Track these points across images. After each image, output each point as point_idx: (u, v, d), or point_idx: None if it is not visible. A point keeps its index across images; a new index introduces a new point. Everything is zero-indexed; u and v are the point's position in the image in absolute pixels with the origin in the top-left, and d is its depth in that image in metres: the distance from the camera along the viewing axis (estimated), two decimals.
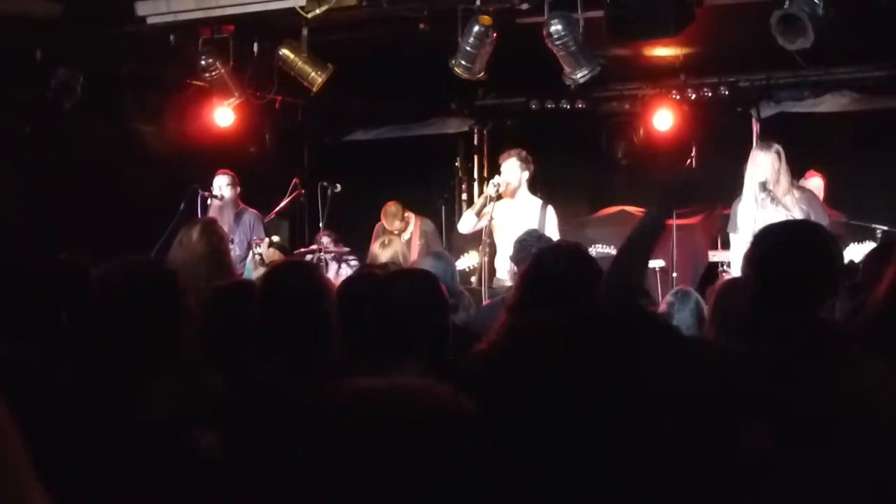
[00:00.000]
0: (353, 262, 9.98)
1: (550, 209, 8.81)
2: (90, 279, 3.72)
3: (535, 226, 8.44)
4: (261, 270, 7.80)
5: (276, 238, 8.34)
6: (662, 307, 5.53)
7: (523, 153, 8.92)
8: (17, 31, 8.25)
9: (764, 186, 7.84)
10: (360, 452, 1.67)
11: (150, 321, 2.71)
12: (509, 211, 8.82)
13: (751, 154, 8.01)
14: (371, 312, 3.75)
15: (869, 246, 7.69)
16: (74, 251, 4.14)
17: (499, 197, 8.82)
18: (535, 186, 9.21)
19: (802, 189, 8.06)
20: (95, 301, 2.80)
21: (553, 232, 8.54)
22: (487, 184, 9.18)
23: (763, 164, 7.85)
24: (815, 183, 9.29)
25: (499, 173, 8.94)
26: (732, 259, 8.39)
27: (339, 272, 9.86)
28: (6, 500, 1.24)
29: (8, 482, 1.25)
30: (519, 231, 8.03)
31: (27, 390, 3.03)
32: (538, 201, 8.88)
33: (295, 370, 3.35)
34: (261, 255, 8.02)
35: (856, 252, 7.79)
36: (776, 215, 7.82)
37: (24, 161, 9.55)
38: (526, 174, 8.87)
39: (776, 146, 7.97)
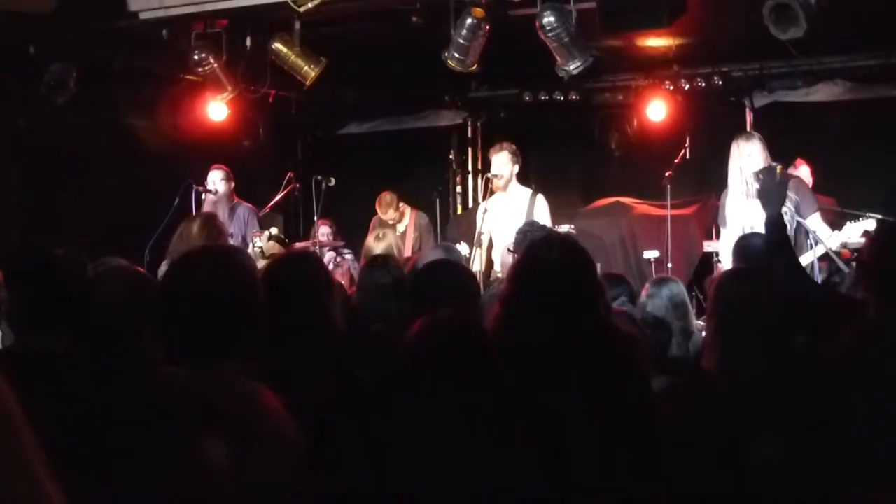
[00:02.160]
0: (348, 255, 10.01)
1: (540, 197, 8.88)
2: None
3: (524, 215, 8.51)
4: (261, 263, 7.83)
5: (274, 230, 8.35)
6: (643, 295, 5.57)
7: (513, 146, 8.99)
8: (10, 26, 8.26)
9: (758, 176, 7.86)
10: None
11: (230, 313, 2.73)
12: (502, 203, 8.89)
13: (734, 146, 8.00)
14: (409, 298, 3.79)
15: (865, 224, 7.73)
16: (70, 246, 4.16)
17: (491, 192, 8.91)
18: (528, 178, 9.25)
19: (790, 176, 8.10)
20: (176, 290, 2.82)
21: (544, 218, 8.62)
22: (481, 176, 9.24)
23: (753, 155, 7.88)
24: (803, 171, 9.35)
25: (489, 167, 9.05)
26: (722, 251, 8.41)
27: (336, 262, 9.90)
28: (20, 493, 1.26)
29: (22, 475, 1.28)
30: (512, 222, 8.09)
31: (63, 382, 3.08)
32: (528, 190, 8.96)
33: (298, 360, 3.38)
34: (261, 248, 8.05)
35: (853, 231, 7.83)
36: None
37: (17, 155, 9.56)
38: (516, 167, 8.95)
39: (757, 135, 8.01)
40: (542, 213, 8.76)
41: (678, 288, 5.45)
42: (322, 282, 3.79)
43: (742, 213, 7.90)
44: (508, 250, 7.50)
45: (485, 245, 8.83)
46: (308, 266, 3.89)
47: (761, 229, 7.48)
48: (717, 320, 3.60)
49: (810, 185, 8.67)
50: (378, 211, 10.49)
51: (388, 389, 2.76)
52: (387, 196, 10.46)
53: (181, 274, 2.90)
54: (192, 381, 2.38)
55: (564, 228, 8.61)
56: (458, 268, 4.19)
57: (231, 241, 8.20)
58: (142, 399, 2.48)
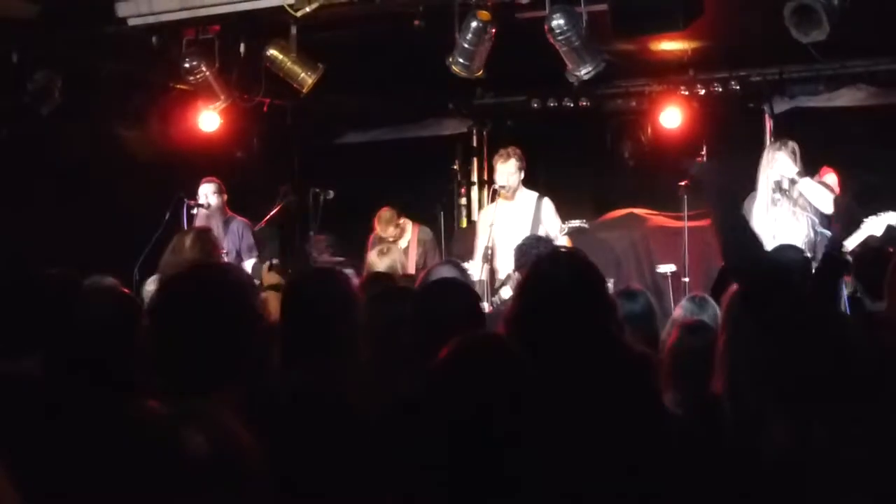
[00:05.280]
0: (349, 270, 10.00)
1: (546, 200, 8.93)
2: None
3: (531, 220, 8.54)
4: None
5: (275, 261, 8.37)
6: (677, 312, 5.56)
7: (518, 152, 9.02)
8: None
9: (779, 186, 7.89)
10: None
11: (227, 334, 2.71)
12: (509, 211, 8.92)
13: (765, 151, 8.05)
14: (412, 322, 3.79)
15: (886, 218, 7.79)
16: (62, 265, 4.17)
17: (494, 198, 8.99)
18: (537, 189, 9.27)
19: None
20: (166, 313, 2.80)
21: (551, 221, 8.66)
22: (487, 188, 9.27)
23: (779, 162, 7.91)
24: (830, 179, 9.32)
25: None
26: None
27: None
28: None
29: None
30: (519, 229, 8.14)
31: (34, 406, 3.08)
32: (534, 195, 9.02)
33: (315, 379, 3.39)
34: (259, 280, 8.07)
35: (873, 226, 7.89)
36: (791, 214, 7.87)
37: (0, 167, 9.56)
38: (522, 174, 9.00)
39: (792, 144, 8.02)
40: (549, 217, 8.81)
41: (717, 307, 5.44)
42: (349, 299, 3.81)
43: (767, 223, 7.92)
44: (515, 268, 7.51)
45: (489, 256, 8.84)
46: (335, 283, 3.91)
47: (784, 240, 7.51)
48: (727, 336, 3.59)
49: (837, 193, 8.69)
50: (377, 228, 10.45)
51: (420, 409, 2.74)
52: (385, 213, 10.41)
53: (171, 296, 2.88)
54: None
55: (576, 224, 8.62)
56: (462, 289, 4.18)
57: (225, 257, 8.21)
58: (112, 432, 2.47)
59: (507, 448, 2.59)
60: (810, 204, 7.94)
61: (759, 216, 8.00)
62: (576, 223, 8.71)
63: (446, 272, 5.63)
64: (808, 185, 7.91)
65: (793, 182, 7.87)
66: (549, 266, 3.42)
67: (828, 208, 7.83)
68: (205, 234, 6.78)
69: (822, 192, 7.91)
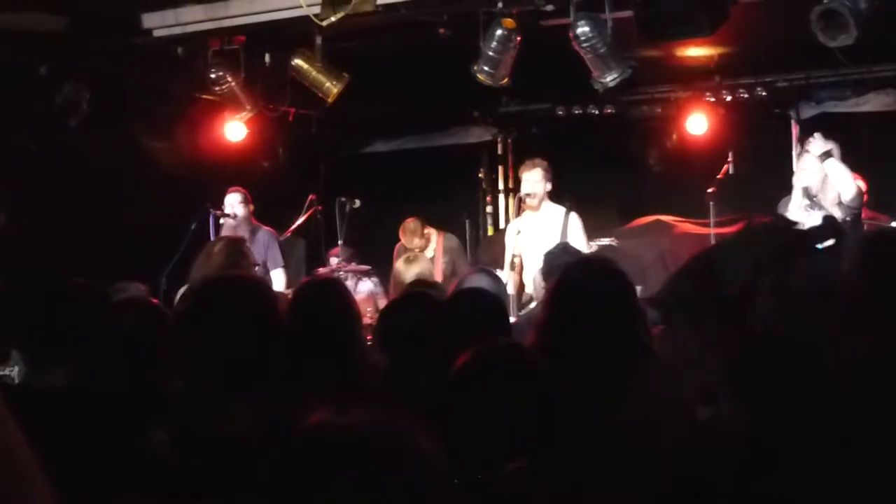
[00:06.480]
0: (374, 279, 10.01)
1: (574, 215, 8.88)
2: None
3: (559, 234, 8.50)
4: None
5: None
6: None
7: (545, 162, 8.99)
8: (20, 46, 8.33)
9: (808, 192, 7.84)
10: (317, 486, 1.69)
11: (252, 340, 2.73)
12: (535, 223, 8.89)
13: (800, 156, 8.04)
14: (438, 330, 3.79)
15: None
16: (89, 276, 4.17)
17: (521, 210, 8.94)
18: (562, 196, 9.25)
19: None
20: (197, 320, 2.81)
21: (578, 238, 8.63)
22: (513, 195, 9.24)
23: (809, 169, 7.88)
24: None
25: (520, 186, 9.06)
26: None
27: (356, 290, 9.87)
28: None
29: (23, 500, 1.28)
30: (545, 242, 8.09)
31: (59, 417, 3.10)
32: (562, 209, 8.96)
33: (321, 391, 3.38)
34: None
35: None
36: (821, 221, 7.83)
37: (28, 179, 9.62)
38: (549, 184, 8.96)
39: (833, 143, 7.98)
40: (577, 232, 8.76)
41: None
42: (350, 310, 3.80)
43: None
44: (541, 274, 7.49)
45: (517, 267, 8.82)
46: (336, 293, 3.90)
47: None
48: None
49: (865, 200, 8.65)
50: (402, 239, 10.45)
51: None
52: (410, 223, 10.42)
53: (202, 303, 2.88)
54: None
55: (605, 242, 8.59)
56: (490, 297, 4.18)
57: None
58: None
59: (524, 455, 2.58)
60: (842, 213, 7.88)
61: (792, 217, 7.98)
62: (605, 241, 8.69)
63: (479, 281, 5.61)
64: (833, 166, 7.86)
65: (808, 192, 7.82)
66: (580, 273, 3.42)
67: (848, 194, 7.81)
68: (234, 244, 6.80)
69: (847, 175, 7.87)
